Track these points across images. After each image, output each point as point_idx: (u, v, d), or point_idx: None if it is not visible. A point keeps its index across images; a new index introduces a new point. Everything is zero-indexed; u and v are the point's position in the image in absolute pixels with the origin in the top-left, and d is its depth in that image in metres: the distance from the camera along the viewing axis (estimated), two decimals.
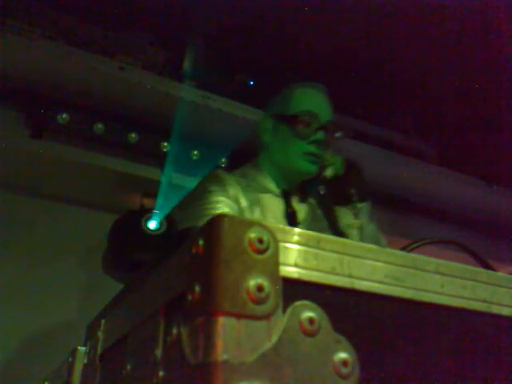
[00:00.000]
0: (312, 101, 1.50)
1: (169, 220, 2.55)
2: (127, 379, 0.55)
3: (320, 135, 1.45)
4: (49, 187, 2.56)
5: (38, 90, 2.38)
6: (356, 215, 1.44)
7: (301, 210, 1.51)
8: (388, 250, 0.49)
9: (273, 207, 1.46)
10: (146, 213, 2.53)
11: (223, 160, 2.66)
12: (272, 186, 1.51)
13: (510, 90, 2.65)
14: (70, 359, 0.85)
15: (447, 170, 3.14)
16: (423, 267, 0.49)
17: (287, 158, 1.48)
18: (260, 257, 0.41)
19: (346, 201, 1.46)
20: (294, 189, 1.54)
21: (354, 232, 1.45)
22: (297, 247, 0.44)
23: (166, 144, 2.59)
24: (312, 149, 1.45)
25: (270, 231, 0.43)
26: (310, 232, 0.46)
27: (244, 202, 1.40)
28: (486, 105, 2.89)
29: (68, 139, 2.45)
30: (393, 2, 2.39)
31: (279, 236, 0.43)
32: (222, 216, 0.42)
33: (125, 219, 2.54)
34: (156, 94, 2.41)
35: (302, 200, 1.55)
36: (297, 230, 0.45)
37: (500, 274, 0.54)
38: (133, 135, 2.55)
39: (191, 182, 2.52)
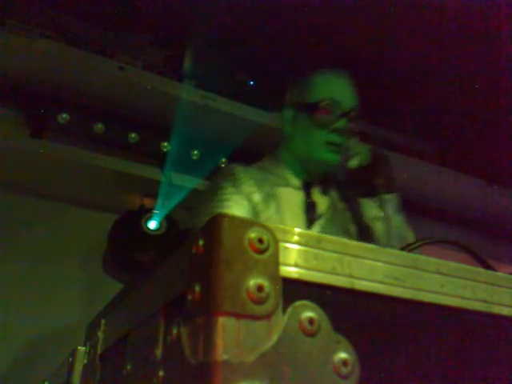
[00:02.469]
0: (333, 87, 1.42)
1: (169, 220, 2.55)
2: (127, 379, 0.55)
3: (342, 123, 1.37)
4: (49, 187, 2.56)
5: (38, 90, 2.38)
6: (381, 207, 1.36)
7: (322, 202, 1.45)
8: (388, 250, 0.49)
9: (290, 200, 1.40)
10: (146, 213, 2.53)
11: (223, 160, 2.66)
12: (292, 178, 1.45)
13: (510, 90, 2.65)
14: (70, 359, 0.85)
15: (447, 170, 3.14)
16: (423, 267, 0.49)
17: (308, 149, 1.42)
18: (260, 257, 0.41)
19: (371, 192, 1.38)
20: (315, 180, 1.47)
21: (379, 225, 1.38)
22: (297, 247, 0.44)
23: (166, 144, 2.59)
24: (334, 138, 1.38)
25: (270, 231, 0.43)
26: (310, 232, 0.46)
27: (258, 198, 1.35)
28: (486, 105, 2.89)
29: (68, 139, 2.46)
30: (393, 2, 2.39)
31: (279, 236, 0.43)
32: (221, 216, 0.42)
33: (125, 219, 2.54)
34: (156, 94, 2.41)
35: (324, 192, 1.48)
36: (297, 229, 0.45)
37: (500, 274, 0.54)
38: (133, 135, 2.55)
39: (191, 182, 2.54)
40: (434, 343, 0.47)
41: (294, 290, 0.42)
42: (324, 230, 1.38)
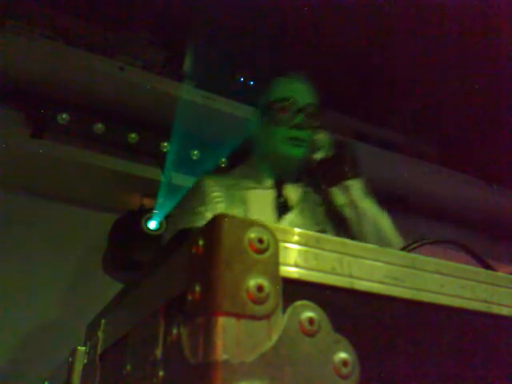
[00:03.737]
0: (288, 87, 1.55)
1: (169, 220, 2.55)
2: (127, 379, 0.55)
3: (299, 118, 1.47)
4: (49, 187, 2.56)
5: (38, 89, 2.38)
6: (345, 193, 1.43)
7: (293, 196, 1.51)
8: (388, 250, 0.49)
9: (260, 201, 1.47)
10: (146, 213, 2.53)
11: (223, 160, 2.66)
12: (264, 179, 1.52)
13: (510, 90, 2.65)
14: (70, 359, 0.85)
15: (447, 170, 3.14)
16: (423, 267, 0.49)
17: (273, 146, 1.50)
18: (260, 257, 0.41)
19: (337, 180, 1.45)
20: (288, 177, 1.54)
21: (348, 211, 1.43)
22: (297, 247, 0.44)
23: (165, 144, 2.59)
24: (294, 133, 1.47)
25: (270, 231, 0.43)
26: (309, 232, 0.46)
27: (222, 208, 1.42)
28: (486, 105, 2.89)
29: (68, 139, 2.45)
30: (393, 2, 2.39)
31: (279, 236, 0.43)
32: (222, 216, 0.42)
33: (125, 219, 2.54)
34: (156, 94, 2.41)
35: (297, 187, 1.55)
36: (297, 229, 0.45)
37: (500, 274, 0.54)
38: (133, 135, 2.55)
39: (191, 182, 2.54)
40: (433, 343, 0.47)
41: (294, 289, 0.42)
42: (293, 224, 1.41)
